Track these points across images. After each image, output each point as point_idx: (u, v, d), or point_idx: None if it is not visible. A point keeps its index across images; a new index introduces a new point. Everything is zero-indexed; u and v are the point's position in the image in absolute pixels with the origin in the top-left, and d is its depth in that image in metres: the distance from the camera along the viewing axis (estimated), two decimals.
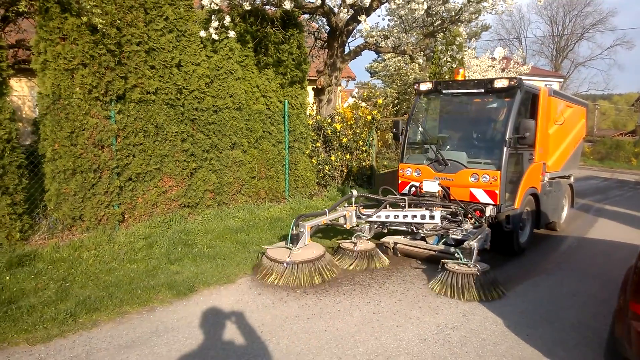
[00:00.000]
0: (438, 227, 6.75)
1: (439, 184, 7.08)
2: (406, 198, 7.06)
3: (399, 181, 7.74)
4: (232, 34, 8.48)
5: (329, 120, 11.74)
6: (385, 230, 7.37)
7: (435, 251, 6.69)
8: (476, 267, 5.57)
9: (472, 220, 6.75)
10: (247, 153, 9.42)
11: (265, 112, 9.75)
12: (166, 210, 7.91)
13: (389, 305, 5.30)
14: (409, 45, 12.98)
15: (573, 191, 10.16)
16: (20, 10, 7.46)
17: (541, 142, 7.67)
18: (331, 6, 11.29)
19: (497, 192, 6.72)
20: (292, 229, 6.10)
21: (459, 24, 13.13)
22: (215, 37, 8.31)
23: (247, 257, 6.74)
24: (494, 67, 22.67)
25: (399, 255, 7.14)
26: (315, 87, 13.01)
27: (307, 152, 10.71)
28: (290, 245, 6.05)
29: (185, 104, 8.09)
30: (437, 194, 7.07)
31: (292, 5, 8.91)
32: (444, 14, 12.59)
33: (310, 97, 13.36)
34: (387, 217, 6.90)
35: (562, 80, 43.36)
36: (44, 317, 4.60)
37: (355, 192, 7.18)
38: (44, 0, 6.37)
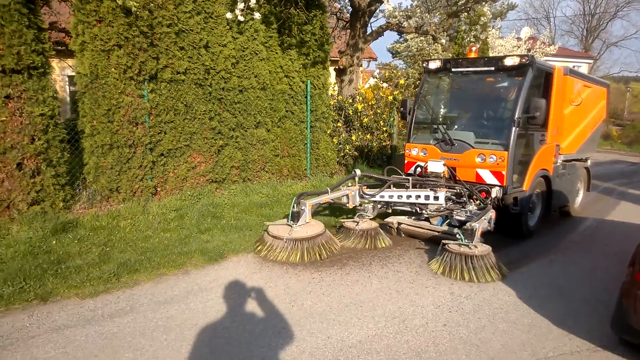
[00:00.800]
0: (442, 208, 6.72)
1: (444, 164, 6.98)
2: (410, 178, 7.01)
3: (405, 161, 7.70)
4: (257, 15, 8.76)
5: (350, 101, 11.99)
6: (389, 211, 7.39)
7: (438, 232, 6.63)
8: (477, 248, 5.56)
9: (478, 202, 6.75)
10: (270, 132, 9.77)
11: (289, 92, 10.06)
12: (195, 184, 8.36)
13: (390, 283, 5.48)
14: (431, 26, 13.07)
15: (590, 175, 9.85)
16: None
17: (554, 123, 7.48)
18: None
19: (504, 173, 6.60)
20: (293, 207, 6.16)
21: (483, 3, 13.15)
22: (241, 18, 8.60)
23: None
24: (519, 47, 22.38)
25: (403, 235, 7.15)
26: (337, 67, 13.23)
27: (328, 132, 11.01)
28: (291, 222, 6.12)
29: (213, 84, 8.46)
30: (442, 175, 6.99)
31: None
32: None
33: (332, 77, 13.60)
34: (391, 197, 6.88)
35: (591, 61, 42.26)
36: (90, 275, 5.09)
37: (358, 172, 7.14)
38: None
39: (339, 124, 11.76)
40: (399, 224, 7.11)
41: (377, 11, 13.41)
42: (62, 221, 6.42)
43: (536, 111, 6.44)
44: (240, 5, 8.50)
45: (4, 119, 6.08)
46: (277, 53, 9.81)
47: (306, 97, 10.34)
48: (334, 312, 4.56)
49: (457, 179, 6.96)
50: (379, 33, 13.02)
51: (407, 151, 7.64)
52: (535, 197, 7.45)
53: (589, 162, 9.75)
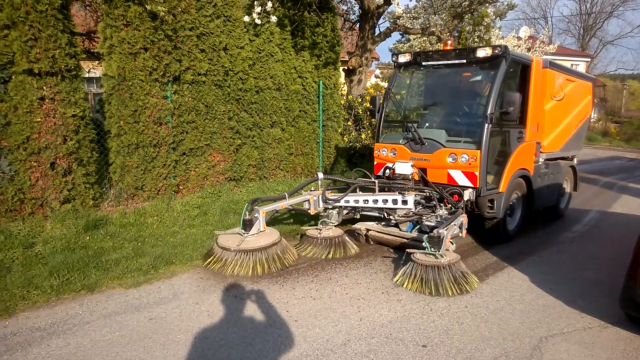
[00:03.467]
0: (410, 213, 6.25)
1: (412, 166, 6.54)
2: (376, 181, 6.46)
3: (375, 162, 7.21)
4: (273, 18, 9.06)
5: (360, 100, 12.29)
6: (358, 216, 6.92)
7: (407, 239, 6.15)
8: (443, 257, 5.07)
9: (449, 206, 6.32)
10: (285, 131, 10.07)
11: (302, 92, 10.36)
12: (215, 182, 8.65)
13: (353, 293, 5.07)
14: (437, 27, 13.36)
15: (576, 174, 9.21)
16: (90, 0, 8.16)
17: (534, 119, 6.99)
18: None
19: (477, 173, 6.13)
20: (245, 214, 5.69)
21: (487, 5, 13.45)
22: (258, 21, 8.89)
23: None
24: (519, 46, 22.69)
25: (372, 243, 6.70)
26: (346, 68, 13.53)
27: (339, 130, 11.31)
28: (243, 231, 5.65)
29: (231, 85, 8.75)
30: (411, 177, 6.56)
31: None
32: None
33: (342, 77, 13.89)
34: (356, 201, 6.39)
35: (589, 59, 42.70)
36: (129, 268, 5.38)
37: (320, 175, 6.61)
38: None
39: (349, 123, 12.07)
40: (368, 230, 6.66)
41: (385, 13, 13.69)
42: (93, 218, 6.70)
43: (510, 106, 5.99)
44: (257, 9, 8.80)
45: (39, 120, 6.35)
46: (291, 54, 10.10)
47: (318, 97, 10.64)
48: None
49: (427, 181, 6.53)
50: (386, 34, 13.32)
51: (376, 152, 7.17)
52: (514, 199, 7.02)
53: (575, 161, 9.22)
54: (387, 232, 6.47)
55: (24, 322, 4.15)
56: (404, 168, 6.60)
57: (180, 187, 8.18)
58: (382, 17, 13.69)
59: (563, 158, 8.55)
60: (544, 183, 7.72)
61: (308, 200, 6.38)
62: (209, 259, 5.58)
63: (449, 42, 6.81)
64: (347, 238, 6.42)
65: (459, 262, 5.21)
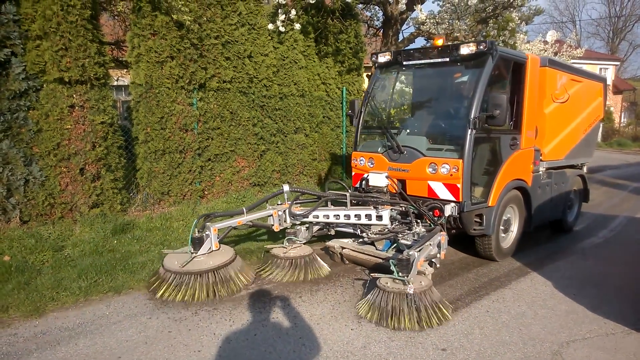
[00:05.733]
0: (385, 230, 5.63)
1: (386, 177, 5.90)
2: (348, 194, 5.89)
3: (353, 173, 6.62)
4: (297, 26, 9.15)
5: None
6: (332, 232, 6.27)
7: (382, 259, 5.41)
8: (412, 284, 4.34)
9: (429, 222, 5.65)
10: (308, 137, 10.11)
11: (325, 98, 10.40)
12: (239, 188, 8.74)
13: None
14: (461, 32, 13.27)
15: (586, 184, 8.33)
16: (118, 10, 8.41)
17: (530, 124, 6.29)
18: None
19: (459, 185, 5.46)
20: (194, 231, 5.13)
21: (511, 9, 13.30)
22: (282, 29, 9.00)
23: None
24: (545, 51, 22.34)
25: (347, 262, 6.03)
26: (369, 74, 13.53)
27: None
28: (191, 250, 5.08)
29: (256, 92, 8.85)
30: (386, 189, 5.91)
31: None
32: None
33: (365, 83, 13.90)
34: (326, 217, 5.76)
35: (618, 63, 41.63)
36: (155, 270, 5.45)
37: (286, 187, 6.04)
38: (137, 1, 7.23)
39: None
40: (342, 248, 5.96)
41: (409, 19, 13.67)
42: (121, 222, 6.83)
43: (496, 109, 5.29)
44: (281, 17, 8.92)
45: (69, 127, 6.53)
46: (314, 61, 10.17)
47: (342, 103, 10.67)
48: None
49: (399, 193, 5.96)
50: (410, 40, 13.30)
51: (354, 161, 6.54)
52: (508, 214, 6.34)
53: (584, 169, 8.40)
54: (361, 251, 5.77)
55: (53, 322, 4.26)
56: (377, 179, 5.94)
57: (206, 192, 8.29)
58: (406, 23, 13.67)
59: (571, 166, 7.87)
60: (546, 195, 7.01)
61: (272, 216, 5.77)
62: (153, 281, 5.00)
63: (440, 40, 6.05)
64: (316, 257, 5.70)
65: (430, 289, 4.46)
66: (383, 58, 6.51)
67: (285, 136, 9.52)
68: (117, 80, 11.65)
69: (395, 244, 5.59)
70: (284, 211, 5.87)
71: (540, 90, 6.51)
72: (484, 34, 15.27)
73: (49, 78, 6.28)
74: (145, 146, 7.54)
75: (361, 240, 5.95)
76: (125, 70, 9.52)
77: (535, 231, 7.13)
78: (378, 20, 16.05)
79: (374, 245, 5.79)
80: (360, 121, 6.67)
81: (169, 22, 7.34)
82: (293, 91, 9.54)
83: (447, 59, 5.86)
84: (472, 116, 5.38)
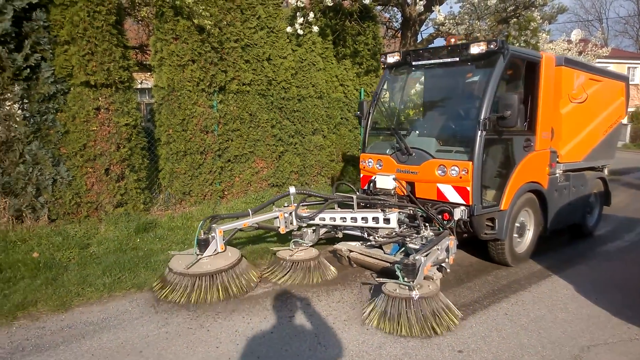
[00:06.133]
0: (393, 234, 5.53)
1: (394, 179, 5.82)
2: (354, 196, 5.80)
3: (361, 175, 6.54)
4: (315, 28, 9.27)
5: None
6: (340, 235, 6.21)
7: (390, 262, 5.30)
8: (417, 289, 4.29)
9: (438, 226, 5.55)
10: (326, 138, 10.22)
11: (343, 99, 10.51)
12: (258, 188, 8.90)
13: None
14: (481, 32, 13.21)
15: (607, 186, 8.03)
16: (142, 15, 8.66)
17: (545, 124, 6.11)
18: None
19: (469, 188, 5.32)
20: (199, 233, 5.15)
21: (533, 9, 13.18)
22: (300, 32, 9.13)
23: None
24: (569, 50, 22.01)
25: (355, 265, 5.92)
26: None
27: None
28: (197, 252, 5.08)
29: (274, 94, 9.00)
30: (394, 192, 5.84)
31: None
32: None
33: None
34: (333, 219, 5.70)
35: None
36: None
37: (292, 189, 5.95)
38: (160, 6, 7.45)
39: None
40: (350, 251, 5.88)
41: (427, 20, 13.66)
42: (144, 221, 7.05)
43: (506, 109, 5.15)
44: (300, 20, 9.04)
45: (95, 128, 6.77)
46: (332, 63, 10.28)
47: None
48: None
49: (407, 196, 5.85)
50: (429, 41, 13.30)
51: (362, 163, 6.46)
52: (522, 218, 6.15)
53: (605, 172, 8.10)
54: (369, 255, 5.65)
55: (79, 316, 4.45)
56: (385, 182, 5.86)
57: (225, 193, 8.47)
58: (425, 24, 13.67)
59: (591, 168, 7.60)
60: (563, 198, 6.78)
61: (278, 218, 5.72)
62: (157, 283, 5.05)
63: (452, 39, 6.01)
64: (322, 260, 5.65)
65: (437, 295, 4.37)
66: (392, 58, 6.40)
67: (304, 137, 9.65)
68: (140, 83, 11.98)
69: (403, 248, 5.45)
70: (290, 213, 5.80)
71: (556, 90, 6.34)
72: (506, 34, 15.19)
73: (76, 81, 6.52)
74: (168, 147, 7.75)
75: (369, 243, 5.80)
76: (149, 73, 9.76)
77: (556, 234, 7.09)
78: (397, 21, 16.09)
79: (382, 249, 5.68)
80: (369, 122, 6.57)
81: (191, 27, 7.54)
82: (311, 93, 9.66)
83: (457, 59, 5.74)
84: (482, 117, 5.24)
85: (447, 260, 5.00)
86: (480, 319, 4.55)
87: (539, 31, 15.43)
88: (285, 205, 6.06)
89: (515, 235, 6.04)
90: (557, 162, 6.60)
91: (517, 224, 6.03)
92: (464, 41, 5.94)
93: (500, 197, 5.67)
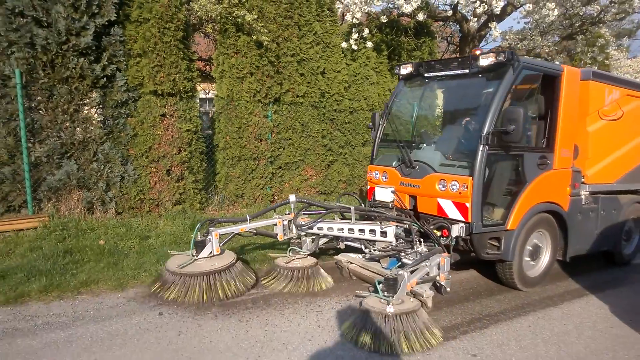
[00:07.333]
0: (389, 247, 5.45)
1: (392, 192, 5.76)
2: (352, 207, 5.81)
3: (368, 186, 6.47)
4: (369, 44, 9.62)
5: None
6: (342, 246, 6.10)
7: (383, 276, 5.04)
8: (392, 305, 4.16)
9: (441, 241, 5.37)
10: None
11: None
12: (306, 195, 9.32)
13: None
14: (544, 48, 12.99)
15: None
16: (208, 30, 9.46)
17: (566, 142, 5.77)
18: (464, 13, 11.91)
19: (468, 205, 5.13)
20: (196, 235, 5.32)
21: (601, 25, 12.78)
22: (355, 47, 9.52)
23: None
24: None
25: (354, 277, 5.84)
26: None
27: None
28: (193, 253, 5.27)
29: (327, 106, 9.44)
30: (392, 205, 5.75)
31: (425, 16, 9.79)
32: (586, 13, 12.37)
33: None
34: (330, 229, 5.65)
35: None
36: None
37: (292, 197, 5.91)
38: (224, 23, 8.12)
39: None
40: (350, 263, 5.84)
41: (487, 35, 13.63)
42: (199, 219, 7.64)
43: (511, 124, 4.94)
44: (355, 36, 9.44)
45: (160, 133, 7.49)
46: (386, 77, 10.57)
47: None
48: None
49: (404, 209, 5.78)
50: None
51: (369, 174, 6.41)
52: (537, 239, 5.84)
53: None
54: (367, 268, 5.61)
55: (132, 295, 5.04)
56: (383, 194, 5.80)
57: (275, 197, 8.98)
58: (484, 39, 13.64)
59: (631, 192, 6.98)
60: (589, 222, 6.32)
61: (276, 225, 5.77)
62: (155, 282, 5.24)
63: (478, 52, 5.70)
64: (319, 269, 5.68)
65: (418, 311, 4.23)
66: (405, 70, 6.31)
67: (353, 148, 9.99)
68: (207, 93, 12.87)
69: (400, 263, 5.36)
70: (289, 221, 5.84)
71: (582, 105, 5.99)
72: (573, 50, 14.76)
73: (146, 90, 7.28)
74: (224, 153, 8.37)
75: (368, 256, 5.77)
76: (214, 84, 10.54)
77: (595, 257, 6.90)
78: (460, 36, 16.11)
79: (380, 262, 5.66)
80: (379, 134, 6.50)
81: (250, 42, 8.15)
82: (363, 106, 10.00)
83: (467, 71, 5.58)
84: (484, 131, 5.06)
85: (438, 277, 4.87)
86: (501, 329, 4.64)
87: (610, 48, 14.86)
88: (287, 213, 6.10)
89: (527, 258, 5.73)
90: (582, 183, 6.23)
91: (529, 246, 5.72)
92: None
93: (508, 216, 5.41)
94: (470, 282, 6.04)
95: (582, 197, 6.26)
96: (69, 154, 6.87)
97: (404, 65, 6.35)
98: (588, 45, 13.59)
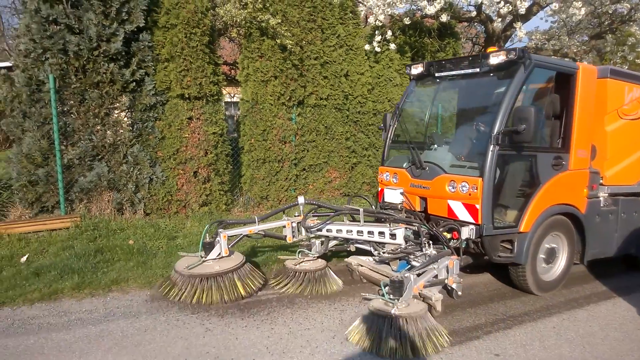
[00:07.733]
0: (398, 250, 5.30)
1: (401, 193, 5.69)
2: (361, 209, 5.63)
3: (379, 188, 6.38)
4: (392, 46, 9.65)
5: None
6: (352, 249, 6.05)
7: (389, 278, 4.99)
8: (397, 307, 4.09)
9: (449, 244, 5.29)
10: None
11: None
12: (330, 197, 9.39)
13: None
14: (571, 48, 12.76)
15: None
16: (233, 35, 9.64)
17: (583, 142, 5.61)
18: (488, 14, 11.82)
19: (478, 206, 5.03)
20: (205, 236, 5.29)
21: (631, 23, 12.49)
22: (378, 49, 9.56)
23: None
24: None
25: (364, 280, 5.80)
26: None
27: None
28: (201, 254, 5.24)
29: (350, 108, 9.49)
30: (401, 207, 5.69)
31: (449, 17, 9.76)
32: (616, 11, 12.11)
33: None
34: (339, 231, 5.56)
35: None
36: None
37: (301, 199, 5.81)
38: (248, 27, 8.27)
39: None
40: (360, 265, 5.79)
41: (513, 35, 13.48)
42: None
43: (521, 123, 4.83)
44: (378, 38, 9.48)
45: (187, 135, 7.67)
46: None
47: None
48: None
49: (412, 211, 5.71)
50: None
51: (380, 176, 6.34)
52: (553, 242, 5.68)
53: None
54: (376, 270, 5.53)
55: (160, 293, 5.18)
56: (392, 196, 5.73)
57: None
58: (510, 39, 13.49)
59: None
60: (609, 225, 6.12)
61: (285, 227, 5.72)
62: (163, 282, 5.24)
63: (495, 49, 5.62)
64: (329, 272, 5.65)
65: (424, 315, 4.15)
66: (416, 70, 6.22)
67: (377, 150, 10.02)
68: (232, 97, 13.09)
69: (410, 265, 5.27)
70: (298, 223, 5.80)
71: (599, 104, 5.81)
72: (602, 49, 14.45)
73: (173, 94, 7.47)
74: (249, 155, 8.51)
75: (378, 258, 5.66)
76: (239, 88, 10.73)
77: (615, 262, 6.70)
78: (485, 36, 15.96)
79: (390, 265, 5.54)
80: (390, 135, 6.40)
81: (274, 46, 8.28)
82: (387, 107, 10.02)
83: (478, 70, 5.48)
84: (494, 131, 4.94)
85: (446, 280, 4.76)
86: (525, 329, 4.61)
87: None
88: (296, 214, 6.03)
89: (542, 261, 5.60)
90: (600, 184, 6.04)
91: (543, 249, 5.59)
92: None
93: (521, 218, 5.27)
94: (494, 283, 6.00)
95: (601, 198, 6.08)
96: (99, 157, 7.10)
97: (414, 65, 6.26)
98: (618, 44, 13.28)
